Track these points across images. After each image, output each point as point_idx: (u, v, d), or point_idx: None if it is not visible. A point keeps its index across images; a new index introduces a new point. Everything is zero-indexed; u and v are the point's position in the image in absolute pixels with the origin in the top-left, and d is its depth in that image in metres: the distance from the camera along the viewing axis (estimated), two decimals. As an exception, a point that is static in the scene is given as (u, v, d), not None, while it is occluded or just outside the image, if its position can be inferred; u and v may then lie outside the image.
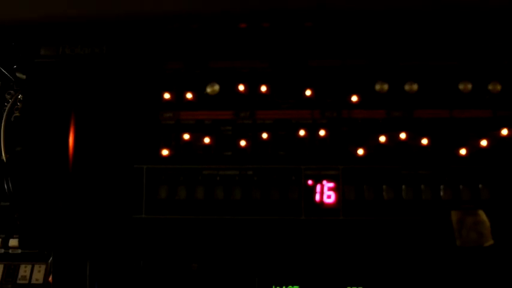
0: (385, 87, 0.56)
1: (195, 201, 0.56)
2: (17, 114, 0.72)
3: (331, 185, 0.56)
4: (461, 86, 0.56)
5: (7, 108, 0.72)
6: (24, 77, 0.63)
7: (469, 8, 0.48)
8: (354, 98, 0.56)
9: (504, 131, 0.55)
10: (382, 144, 0.56)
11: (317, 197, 0.56)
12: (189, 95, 0.57)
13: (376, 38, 0.56)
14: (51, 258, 0.66)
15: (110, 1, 0.52)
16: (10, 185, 0.67)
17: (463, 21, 0.52)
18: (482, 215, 0.54)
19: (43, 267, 0.69)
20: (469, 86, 0.56)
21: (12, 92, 0.75)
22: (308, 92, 0.56)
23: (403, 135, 0.56)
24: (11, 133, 0.70)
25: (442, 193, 0.55)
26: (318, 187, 0.56)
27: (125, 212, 0.56)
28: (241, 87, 0.57)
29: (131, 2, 0.52)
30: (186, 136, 0.57)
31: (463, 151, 0.55)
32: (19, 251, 0.70)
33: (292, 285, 0.60)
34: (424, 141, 0.56)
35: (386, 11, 0.49)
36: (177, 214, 0.56)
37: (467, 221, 0.54)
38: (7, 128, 0.70)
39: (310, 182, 0.56)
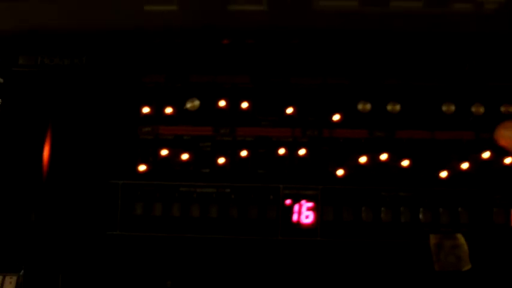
0: (368, 106, 0.55)
1: (171, 219, 0.55)
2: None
3: (310, 205, 0.55)
4: (444, 108, 0.55)
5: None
6: (2, 80, 0.62)
7: (452, 30, 0.48)
8: (336, 117, 0.56)
9: (486, 154, 0.55)
10: (363, 165, 0.55)
11: (295, 217, 0.55)
12: (168, 110, 0.56)
13: (359, 57, 0.56)
14: (22, 271, 0.64)
15: (91, 14, 0.51)
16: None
17: (446, 42, 0.51)
18: (461, 238, 0.54)
19: (14, 278, 0.67)
20: (452, 108, 0.55)
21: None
22: (289, 110, 0.56)
23: (384, 156, 0.55)
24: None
25: (421, 216, 0.54)
26: (296, 207, 0.55)
27: (99, 228, 0.55)
28: (222, 103, 0.56)
29: (113, 15, 0.51)
30: (164, 152, 0.56)
31: (443, 173, 0.55)
32: (-10, 262, 0.68)
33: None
34: (405, 162, 0.55)
35: (369, 31, 0.49)
36: (153, 231, 0.55)
37: (446, 244, 0.54)
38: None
39: (288, 201, 0.55)
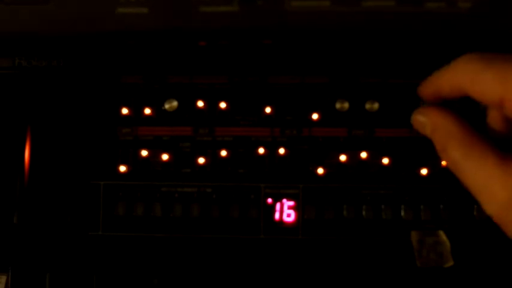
0: (346, 105, 0.55)
1: (153, 219, 0.55)
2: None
3: (291, 203, 0.55)
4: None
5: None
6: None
7: (425, 29, 0.47)
8: (315, 116, 0.55)
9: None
10: (343, 163, 0.55)
11: (276, 216, 0.55)
12: (147, 111, 0.56)
13: (335, 55, 0.55)
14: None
15: (66, 16, 0.51)
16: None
17: (421, 40, 0.51)
18: (443, 235, 0.54)
19: (4, 278, 0.68)
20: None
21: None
22: (268, 110, 0.55)
23: (364, 154, 0.55)
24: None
25: (402, 213, 0.54)
26: (278, 205, 0.55)
27: (82, 229, 0.55)
28: (200, 104, 0.56)
29: (86, 17, 0.50)
30: (144, 152, 0.56)
31: (423, 171, 0.54)
32: (-20, 261, 0.69)
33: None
34: (385, 160, 0.55)
35: (343, 30, 0.48)
36: (135, 231, 0.55)
37: (427, 241, 0.54)
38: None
39: (269, 200, 0.55)
